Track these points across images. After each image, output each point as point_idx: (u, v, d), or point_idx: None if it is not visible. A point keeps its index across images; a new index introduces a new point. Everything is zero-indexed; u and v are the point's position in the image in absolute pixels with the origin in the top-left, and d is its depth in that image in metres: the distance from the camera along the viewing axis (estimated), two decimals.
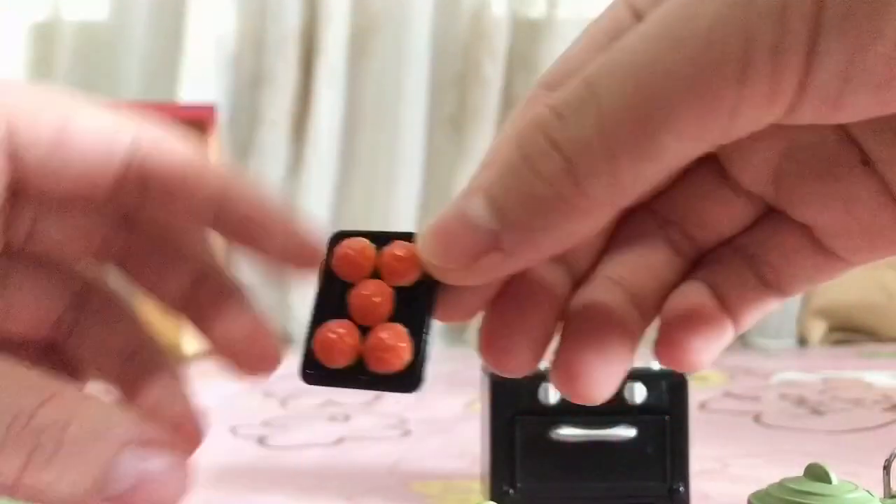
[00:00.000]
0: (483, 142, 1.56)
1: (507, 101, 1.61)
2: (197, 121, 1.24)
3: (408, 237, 0.22)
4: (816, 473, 0.29)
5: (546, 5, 1.59)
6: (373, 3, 1.62)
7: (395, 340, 0.21)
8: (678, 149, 0.19)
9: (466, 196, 0.21)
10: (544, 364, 0.35)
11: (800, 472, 0.30)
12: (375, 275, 0.22)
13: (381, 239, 0.22)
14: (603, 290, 0.25)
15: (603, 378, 0.23)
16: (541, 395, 0.35)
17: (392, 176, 1.57)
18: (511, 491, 0.34)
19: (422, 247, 0.21)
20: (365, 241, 0.22)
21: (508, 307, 0.23)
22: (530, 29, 1.61)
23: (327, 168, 1.59)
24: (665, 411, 0.35)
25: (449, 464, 0.44)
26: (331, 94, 1.58)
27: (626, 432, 0.34)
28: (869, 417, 0.64)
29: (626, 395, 0.35)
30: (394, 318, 0.21)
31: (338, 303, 0.22)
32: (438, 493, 0.39)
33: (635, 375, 0.35)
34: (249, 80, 1.64)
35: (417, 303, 0.21)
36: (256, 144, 1.59)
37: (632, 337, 0.24)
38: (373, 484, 0.40)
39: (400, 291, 0.21)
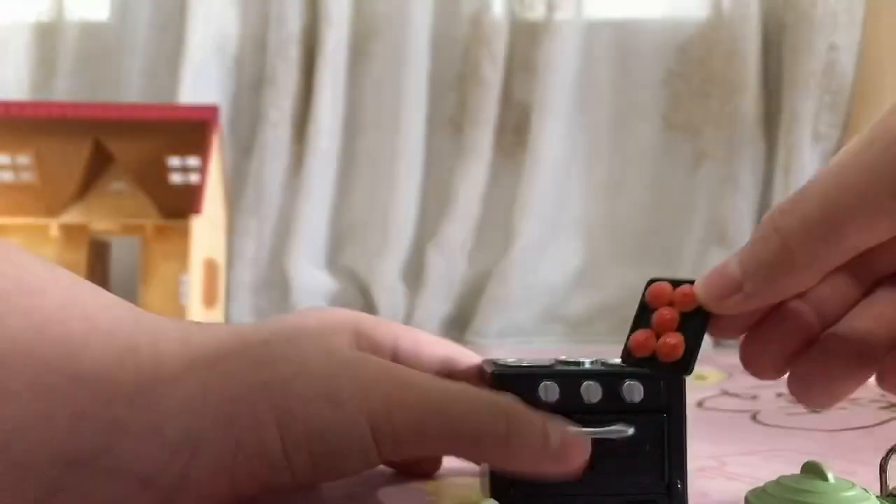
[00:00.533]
0: (482, 143, 1.58)
1: (507, 102, 1.62)
2: (200, 121, 1.25)
3: (691, 282, 0.32)
4: (814, 471, 0.29)
5: (545, 8, 1.59)
6: (373, 5, 1.63)
7: (674, 341, 0.32)
8: (858, 238, 0.28)
9: (730, 257, 0.31)
10: (547, 361, 0.36)
11: (797, 469, 0.30)
12: (671, 304, 0.33)
13: (676, 283, 0.33)
14: (845, 327, 0.33)
15: (826, 391, 0.32)
16: (541, 393, 0.35)
17: (392, 177, 1.58)
18: (512, 488, 0.35)
19: (696, 287, 0.32)
20: (666, 284, 0.33)
21: (763, 331, 0.32)
22: (529, 31, 1.62)
23: (328, 169, 1.60)
24: (663, 410, 0.35)
25: (448, 462, 0.44)
26: (332, 96, 1.59)
27: (626, 430, 0.35)
28: (865, 416, 0.64)
29: (625, 393, 0.35)
30: (678, 331, 0.32)
31: (646, 319, 0.33)
32: (438, 492, 0.39)
33: (633, 374, 0.35)
34: (251, 81, 1.65)
35: (694, 322, 0.32)
36: (258, 145, 1.60)
37: (864, 363, 0.33)
38: (373, 482, 0.41)
39: (683, 315, 0.32)
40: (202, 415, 0.26)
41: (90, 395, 0.25)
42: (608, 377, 0.35)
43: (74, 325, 0.25)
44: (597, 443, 0.34)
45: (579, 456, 0.32)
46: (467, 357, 0.40)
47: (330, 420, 0.28)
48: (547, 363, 0.37)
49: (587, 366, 0.37)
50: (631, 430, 0.35)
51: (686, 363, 0.31)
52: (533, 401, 0.34)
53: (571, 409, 0.35)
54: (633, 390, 0.35)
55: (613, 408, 0.35)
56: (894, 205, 0.27)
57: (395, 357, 0.39)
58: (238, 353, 0.28)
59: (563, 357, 0.38)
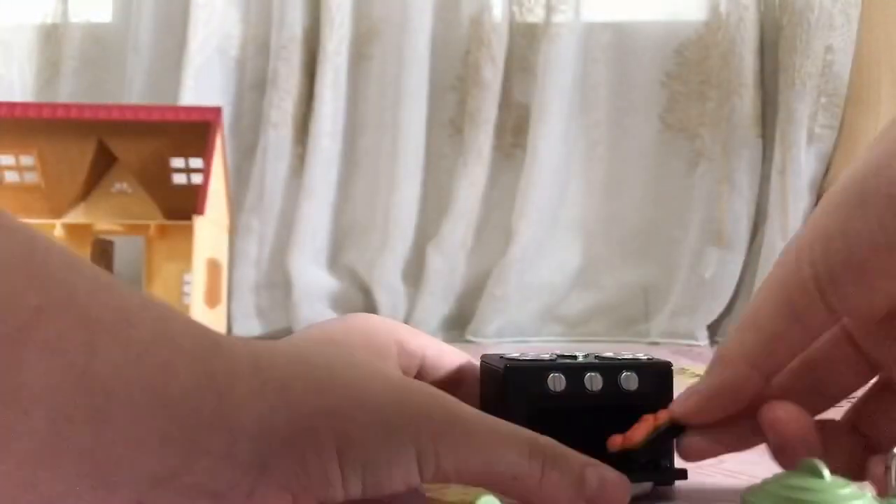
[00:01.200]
0: (482, 143, 1.59)
1: (506, 103, 1.63)
2: (203, 123, 1.25)
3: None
4: (810, 469, 0.29)
5: (544, 10, 1.60)
6: (374, 8, 1.64)
7: (632, 434, 0.37)
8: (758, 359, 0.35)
9: None
10: (549, 355, 0.39)
11: (793, 467, 0.30)
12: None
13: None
14: None
15: None
16: (549, 385, 0.38)
17: (393, 177, 1.59)
18: None
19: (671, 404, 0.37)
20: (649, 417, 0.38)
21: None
22: (528, 33, 1.63)
23: (329, 169, 1.61)
24: (654, 396, 0.39)
25: None
26: (333, 97, 1.60)
27: (647, 486, 0.39)
28: None
29: (622, 383, 0.38)
30: (647, 435, 0.37)
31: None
32: (438, 486, 0.40)
33: (628, 365, 0.39)
34: (253, 82, 1.66)
35: (664, 431, 0.37)
36: (260, 146, 1.61)
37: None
38: None
39: (659, 428, 0.37)
40: (270, 438, 0.28)
41: (176, 420, 0.27)
42: (608, 369, 0.38)
43: (165, 354, 0.27)
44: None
45: (620, 499, 0.33)
46: (473, 368, 0.44)
47: (382, 447, 0.30)
48: (550, 357, 0.40)
49: (582, 359, 0.40)
50: (650, 486, 0.39)
51: (634, 456, 0.37)
52: (542, 391, 0.38)
53: (576, 397, 0.38)
54: (630, 380, 0.39)
55: (613, 395, 0.38)
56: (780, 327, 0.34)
57: (423, 365, 0.43)
58: (304, 377, 0.30)
59: (558, 352, 0.41)
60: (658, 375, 0.39)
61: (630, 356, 0.40)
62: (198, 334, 0.29)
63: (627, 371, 0.39)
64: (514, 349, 0.45)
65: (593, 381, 0.38)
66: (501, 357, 0.40)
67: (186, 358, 0.28)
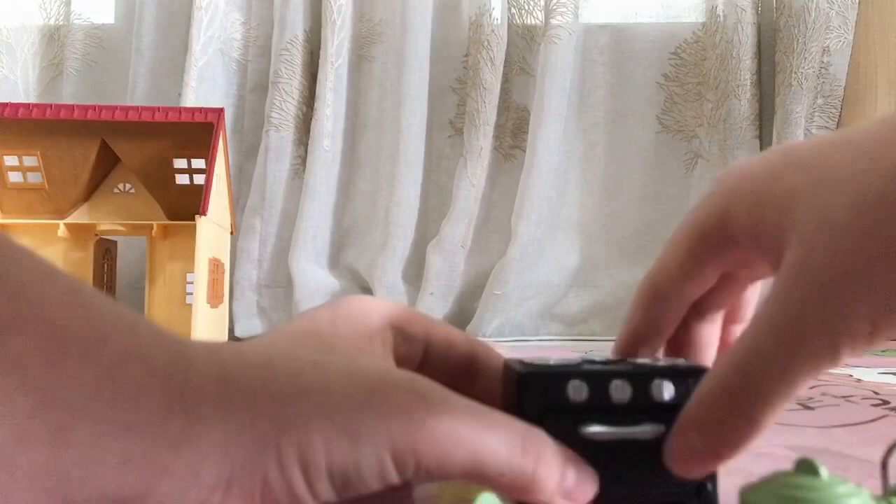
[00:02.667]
0: (482, 144, 1.59)
1: (505, 105, 1.64)
2: (206, 124, 1.26)
3: None
4: (807, 467, 0.29)
5: (543, 13, 1.61)
6: (375, 10, 1.65)
7: None
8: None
9: None
10: (575, 360, 0.36)
11: (790, 465, 0.30)
12: None
13: None
14: None
15: None
16: (570, 393, 0.33)
17: (393, 177, 1.60)
18: None
19: None
20: None
21: None
22: (528, 36, 1.64)
23: (330, 170, 1.62)
24: None
25: None
26: (334, 99, 1.61)
27: (656, 429, 0.33)
28: (857, 413, 0.65)
29: (654, 392, 0.33)
30: None
31: None
32: (439, 486, 0.40)
33: (662, 372, 0.34)
34: (255, 84, 1.67)
35: None
36: (262, 147, 1.62)
37: None
38: None
39: None
40: (233, 457, 0.27)
41: (140, 441, 0.26)
42: (636, 376, 0.33)
43: (135, 371, 0.26)
44: (627, 442, 0.33)
45: (588, 493, 0.31)
46: (492, 356, 0.40)
47: (349, 455, 0.28)
48: (574, 362, 0.35)
49: (614, 365, 0.35)
50: (662, 429, 0.33)
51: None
52: (562, 401, 0.33)
53: (600, 408, 0.33)
54: (663, 388, 0.33)
55: (643, 406, 0.33)
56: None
57: (427, 353, 0.38)
58: (268, 388, 0.29)
59: (590, 356, 0.37)
60: (697, 385, 0.33)
61: (665, 362, 0.35)
62: (170, 347, 0.28)
63: (660, 379, 0.33)
64: (543, 353, 0.42)
65: (619, 389, 0.33)
66: (521, 361, 0.36)
67: (158, 374, 0.27)
